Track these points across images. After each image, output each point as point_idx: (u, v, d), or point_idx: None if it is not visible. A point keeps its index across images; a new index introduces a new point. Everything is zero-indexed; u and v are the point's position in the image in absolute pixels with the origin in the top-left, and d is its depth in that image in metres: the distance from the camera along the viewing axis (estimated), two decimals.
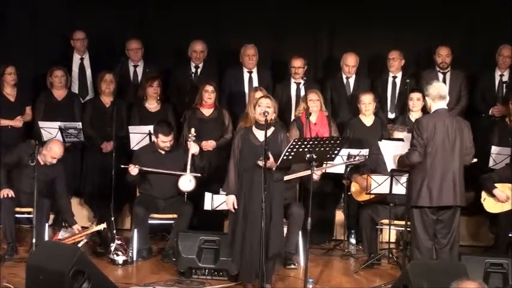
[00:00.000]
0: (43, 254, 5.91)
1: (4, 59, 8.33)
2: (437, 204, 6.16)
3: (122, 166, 7.35)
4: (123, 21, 9.07)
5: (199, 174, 7.34)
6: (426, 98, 6.31)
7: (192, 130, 7.40)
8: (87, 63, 8.74)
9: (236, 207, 6.26)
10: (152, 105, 8.19)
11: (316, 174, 7.33)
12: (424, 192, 6.16)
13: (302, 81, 8.12)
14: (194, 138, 7.38)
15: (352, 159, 7.39)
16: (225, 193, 6.48)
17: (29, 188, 7.22)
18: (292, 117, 8.27)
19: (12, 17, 8.93)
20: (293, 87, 8.41)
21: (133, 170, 7.24)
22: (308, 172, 6.69)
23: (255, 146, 6.22)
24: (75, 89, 8.63)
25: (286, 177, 6.58)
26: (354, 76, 8.47)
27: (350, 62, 8.40)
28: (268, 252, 6.18)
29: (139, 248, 7.25)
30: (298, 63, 8.32)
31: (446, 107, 6.39)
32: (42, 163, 7.25)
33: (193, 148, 7.36)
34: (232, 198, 6.29)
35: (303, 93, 8.13)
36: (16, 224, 7.51)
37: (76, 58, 8.71)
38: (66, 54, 8.72)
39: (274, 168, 6.15)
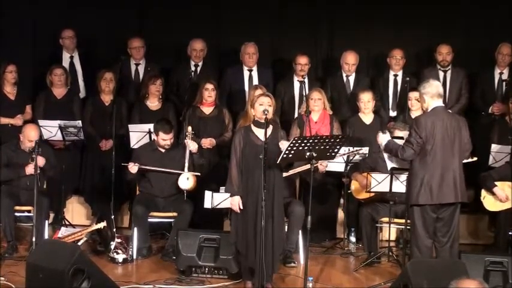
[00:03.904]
0: (43, 252, 5.91)
1: (4, 57, 8.33)
2: (438, 201, 6.16)
3: (123, 164, 7.36)
4: (124, 21, 9.08)
5: (198, 173, 7.33)
6: (423, 96, 6.29)
7: (189, 128, 7.40)
8: (77, 61, 8.74)
9: (242, 207, 6.23)
10: (153, 104, 8.20)
11: (323, 166, 7.36)
12: (425, 190, 6.15)
13: (305, 79, 8.12)
14: (192, 135, 7.38)
15: (351, 155, 7.40)
16: (226, 192, 6.44)
17: (27, 181, 7.31)
18: (296, 116, 8.27)
19: (12, 16, 8.93)
20: (296, 85, 8.41)
21: (133, 168, 7.24)
22: (308, 166, 6.70)
23: (256, 145, 6.19)
24: None
25: (285, 174, 6.59)
26: (353, 74, 8.48)
27: (350, 60, 8.40)
28: (272, 251, 6.17)
29: (139, 246, 7.25)
30: (304, 60, 8.32)
31: (443, 105, 6.39)
32: (27, 150, 7.27)
33: (191, 146, 7.35)
34: (237, 199, 6.22)
35: (305, 91, 8.12)
36: (16, 223, 7.54)
37: (66, 57, 8.71)
38: (57, 53, 8.73)
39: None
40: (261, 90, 7.29)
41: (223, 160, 7.70)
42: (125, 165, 7.29)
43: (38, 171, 6.98)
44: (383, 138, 6.59)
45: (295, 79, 8.41)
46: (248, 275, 6.36)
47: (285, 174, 6.55)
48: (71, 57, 8.71)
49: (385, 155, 6.83)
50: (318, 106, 7.78)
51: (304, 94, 7.94)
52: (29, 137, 7.28)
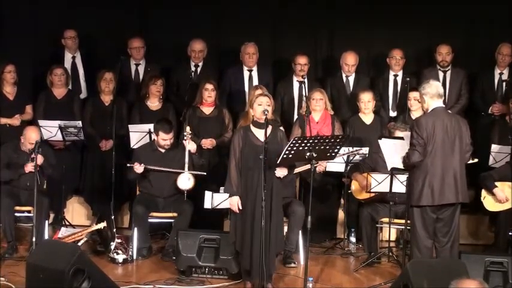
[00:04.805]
0: (43, 252, 5.91)
1: (4, 57, 8.33)
2: (439, 202, 6.16)
3: (128, 165, 7.33)
4: (124, 21, 9.08)
5: (197, 172, 7.34)
6: (423, 96, 6.29)
7: (188, 128, 7.40)
8: (79, 61, 8.74)
9: (241, 207, 6.23)
10: (154, 104, 8.20)
11: (322, 166, 7.35)
12: (426, 191, 6.14)
13: (305, 80, 8.12)
14: (190, 136, 7.38)
15: (351, 155, 7.40)
16: (225, 192, 6.44)
17: (28, 182, 7.31)
18: (295, 116, 8.27)
19: (12, 16, 8.93)
20: (295, 85, 8.41)
21: (139, 168, 7.22)
22: (308, 166, 6.69)
23: (255, 145, 6.20)
24: None
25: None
26: (353, 75, 8.48)
27: (349, 61, 8.39)
28: (271, 251, 6.18)
29: (139, 246, 7.25)
30: (304, 60, 8.32)
31: (444, 105, 6.39)
32: (27, 151, 7.29)
33: (189, 146, 7.35)
34: (236, 199, 6.23)
35: (305, 91, 8.12)
36: (16, 223, 7.53)
37: (68, 57, 8.72)
38: (58, 53, 8.73)
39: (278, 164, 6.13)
40: (261, 91, 7.28)
41: (223, 160, 7.70)
42: (131, 166, 7.27)
43: (37, 169, 6.97)
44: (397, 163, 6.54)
45: (295, 79, 8.42)
46: (248, 276, 6.36)
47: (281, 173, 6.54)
48: (73, 58, 8.72)
49: (385, 154, 6.80)
50: (320, 106, 7.78)
51: (304, 94, 7.94)
52: (30, 139, 7.26)
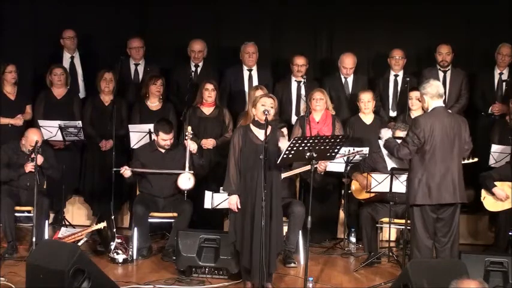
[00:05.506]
0: (43, 252, 5.91)
1: (4, 57, 8.33)
2: (437, 202, 6.16)
3: (114, 170, 7.34)
4: (124, 21, 9.09)
5: (198, 172, 7.34)
6: (423, 96, 6.29)
7: (189, 128, 7.40)
8: (77, 61, 8.74)
9: (239, 206, 6.24)
10: (154, 104, 8.20)
11: (321, 167, 7.35)
12: (423, 190, 6.15)
13: (303, 80, 8.13)
14: (191, 136, 7.38)
15: (351, 155, 7.40)
16: (224, 191, 6.45)
17: (28, 182, 7.32)
18: (293, 116, 8.28)
19: (12, 16, 8.93)
20: (294, 86, 8.41)
21: (126, 172, 7.23)
22: (308, 167, 6.69)
23: (255, 145, 6.20)
24: None
25: (284, 174, 6.59)
26: (352, 75, 8.47)
27: (347, 64, 8.38)
28: (270, 250, 6.18)
29: (139, 246, 7.25)
30: (301, 61, 8.32)
31: (444, 105, 6.39)
32: (27, 152, 7.30)
33: (191, 146, 7.35)
34: (235, 198, 6.24)
35: (303, 92, 8.13)
36: (16, 223, 7.53)
37: (66, 57, 8.72)
38: (58, 53, 8.73)
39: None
40: (261, 91, 7.31)
41: (224, 160, 7.68)
42: (117, 170, 7.28)
43: (37, 169, 6.97)
44: (385, 134, 6.61)
45: (293, 80, 8.42)
46: (248, 275, 6.36)
47: (283, 175, 6.55)
48: (72, 58, 8.72)
49: (384, 153, 6.83)
50: (320, 106, 7.78)
51: (304, 94, 7.94)
52: (32, 142, 7.23)
